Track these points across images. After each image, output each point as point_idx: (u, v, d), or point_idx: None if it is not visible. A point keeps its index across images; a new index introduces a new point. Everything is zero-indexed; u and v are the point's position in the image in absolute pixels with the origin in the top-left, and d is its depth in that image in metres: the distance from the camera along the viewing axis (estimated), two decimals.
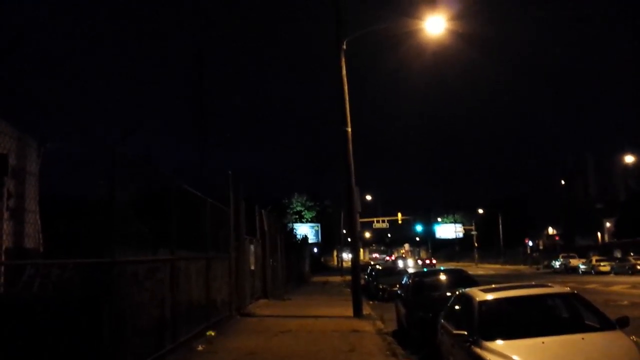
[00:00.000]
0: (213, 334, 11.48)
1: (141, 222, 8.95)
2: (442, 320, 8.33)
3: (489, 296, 7.32)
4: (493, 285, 8.49)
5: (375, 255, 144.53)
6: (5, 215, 8.16)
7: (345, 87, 16.87)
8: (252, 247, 20.05)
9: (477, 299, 7.22)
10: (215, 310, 12.96)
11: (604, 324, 6.58)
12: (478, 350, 6.17)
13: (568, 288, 7.89)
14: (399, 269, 32.01)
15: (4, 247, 7.91)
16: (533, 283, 8.73)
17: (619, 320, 6.61)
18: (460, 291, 8.55)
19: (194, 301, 11.04)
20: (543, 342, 6.02)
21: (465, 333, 6.61)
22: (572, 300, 7.40)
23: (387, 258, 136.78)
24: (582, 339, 6.18)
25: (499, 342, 6.13)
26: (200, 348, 10.17)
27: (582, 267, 47.06)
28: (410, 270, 23.74)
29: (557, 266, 53.51)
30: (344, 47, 17.00)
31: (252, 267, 19.77)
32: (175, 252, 9.70)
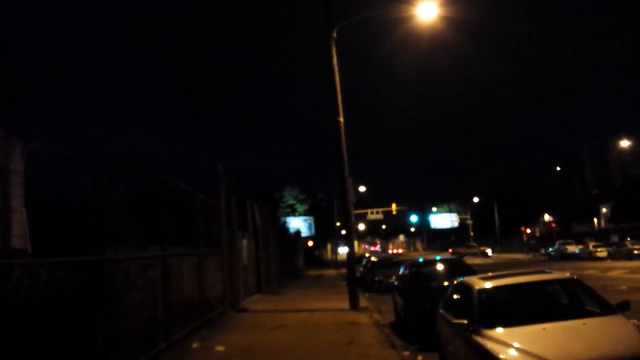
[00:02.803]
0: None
1: (131, 219, 8.76)
2: (441, 310, 8.20)
3: (488, 284, 7.18)
4: (491, 273, 8.36)
5: (365, 246, 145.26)
6: None
7: (337, 77, 16.65)
8: (244, 242, 19.89)
9: (476, 287, 7.09)
10: (209, 306, 12.79)
11: (605, 309, 6.47)
12: (478, 339, 6.05)
13: (568, 274, 7.77)
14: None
15: None
16: (532, 270, 8.60)
17: (620, 304, 6.52)
18: (459, 280, 8.42)
19: (186, 298, 10.86)
20: (544, 329, 5.92)
21: (465, 322, 6.48)
22: (572, 286, 7.27)
23: (373, 248, 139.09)
24: (583, 324, 6.07)
25: (500, 330, 6.02)
26: (195, 345, 10.01)
27: (578, 253, 47.07)
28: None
29: (554, 253, 53.37)
30: (335, 35, 16.76)
31: (245, 263, 19.62)
32: (167, 249, 9.53)
